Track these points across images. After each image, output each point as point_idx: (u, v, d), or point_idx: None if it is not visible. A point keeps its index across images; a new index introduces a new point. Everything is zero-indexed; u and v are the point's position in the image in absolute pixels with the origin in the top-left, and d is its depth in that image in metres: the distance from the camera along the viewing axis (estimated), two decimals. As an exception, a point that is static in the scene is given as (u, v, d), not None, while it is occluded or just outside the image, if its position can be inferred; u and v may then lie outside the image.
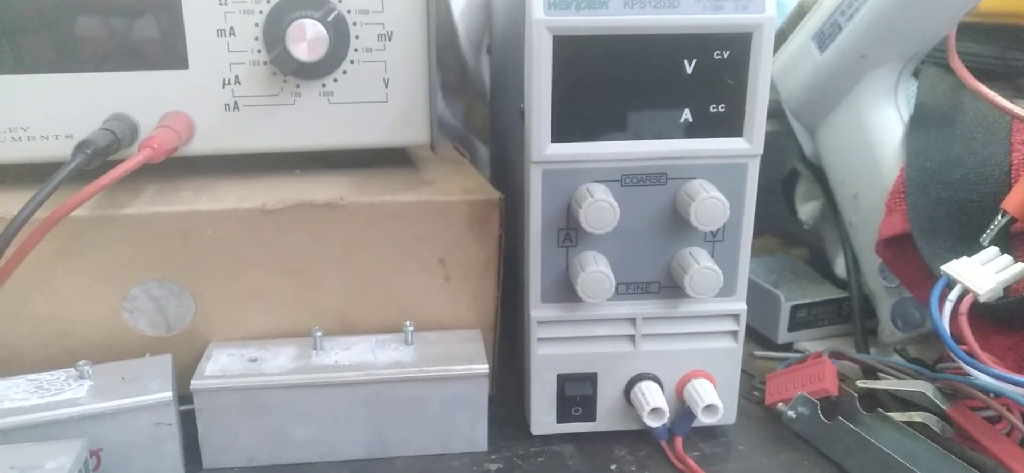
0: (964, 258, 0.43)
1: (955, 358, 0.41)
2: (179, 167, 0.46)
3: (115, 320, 0.44)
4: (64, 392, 0.40)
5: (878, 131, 0.51)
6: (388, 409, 0.43)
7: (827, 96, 0.52)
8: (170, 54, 0.43)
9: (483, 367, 0.43)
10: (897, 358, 0.52)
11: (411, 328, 0.45)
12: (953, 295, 0.42)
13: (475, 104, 0.69)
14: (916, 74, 0.52)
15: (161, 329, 0.45)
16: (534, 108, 0.40)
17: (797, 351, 0.56)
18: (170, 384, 0.41)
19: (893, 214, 0.48)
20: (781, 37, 0.54)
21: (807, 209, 0.61)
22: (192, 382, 0.41)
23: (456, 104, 0.68)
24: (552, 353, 0.44)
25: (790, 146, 0.58)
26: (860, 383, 0.47)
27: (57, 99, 0.43)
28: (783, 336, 0.56)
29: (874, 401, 0.46)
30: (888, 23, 0.48)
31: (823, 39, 0.51)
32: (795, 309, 0.56)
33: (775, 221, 0.64)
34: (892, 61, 0.50)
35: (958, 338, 0.41)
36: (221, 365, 0.43)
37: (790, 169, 0.61)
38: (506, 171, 0.51)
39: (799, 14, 0.54)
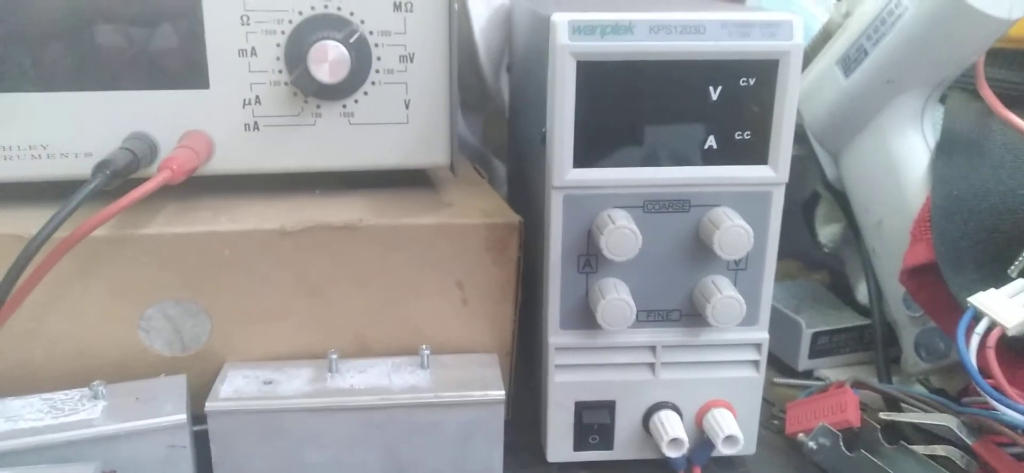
0: (991, 290, 0.42)
1: (982, 392, 0.40)
2: (198, 186, 0.46)
3: (131, 339, 0.43)
4: (78, 413, 0.40)
5: (903, 158, 0.50)
6: (403, 434, 0.43)
7: (851, 121, 0.52)
8: (191, 73, 0.43)
9: (499, 393, 0.43)
10: (920, 389, 0.51)
11: (427, 352, 0.45)
12: (980, 328, 0.41)
13: (494, 122, 0.69)
14: (943, 100, 0.52)
15: (176, 349, 0.44)
16: (556, 133, 0.39)
17: (818, 379, 0.55)
18: (184, 406, 0.41)
19: (918, 243, 0.48)
20: (805, 60, 0.53)
21: (827, 232, 0.60)
22: (206, 404, 0.41)
23: (474, 122, 0.68)
24: (570, 380, 0.44)
25: (811, 169, 0.57)
26: (883, 415, 0.46)
27: (77, 117, 0.43)
28: (804, 363, 0.56)
29: (897, 433, 0.45)
30: (915, 48, 0.47)
31: (848, 63, 0.51)
32: (816, 336, 0.55)
33: (795, 244, 0.63)
34: (919, 87, 0.49)
35: (985, 372, 0.40)
36: (236, 387, 0.42)
37: (811, 192, 0.60)
38: (525, 192, 0.51)
39: (824, 37, 0.53)
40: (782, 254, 0.43)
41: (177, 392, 0.42)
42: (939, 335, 0.50)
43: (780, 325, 0.55)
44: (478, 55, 0.60)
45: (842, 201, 0.56)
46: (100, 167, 0.39)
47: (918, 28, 0.47)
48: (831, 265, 0.63)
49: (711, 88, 0.39)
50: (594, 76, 0.38)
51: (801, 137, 0.55)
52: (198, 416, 0.42)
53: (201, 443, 0.42)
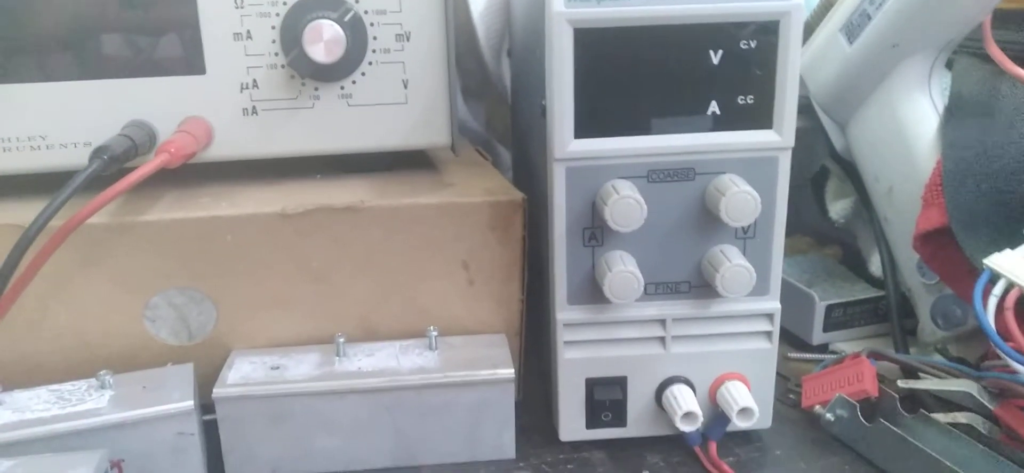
0: (1007, 250, 0.41)
1: (1002, 355, 0.40)
2: (198, 173, 0.46)
3: (136, 329, 0.43)
4: (85, 402, 0.40)
5: (912, 123, 0.49)
6: (413, 416, 0.42)
7: (858, 89, 0.51)
8: (187, 59, 0.43)
9: (509, 372, 0.42)
10: (938, 357, 0.50)
11: (435, 333, 0.44)
12: (998, 289, 0.40)
13: (496, 108, 0.68)
14: (949, 65, 0.51)
15: (183, 337, 0.44)
16: (556, 104, 0.39)
17: (833, 352, 0.54)
18: (192, 393, 0.41)
19: (931, 208, 0.47)
20: (808, 30, 0.53)
21: (838, 207, 0.59)
22: (214, 391, 0.41)
23: (477, 108, 0.68)
24: (580, 356, 0.43)
25: (819, 143, 0.57)
26: (901, 383, 0.45)
27: (75, 107, 0.43)
28: (818, 337, 0.55)
29: (916, 402, 0.45)
30: (919, 10, 0.47)
31: (852, 30, 0.50)
32: (830, 309, 0.54)
33: (806, 220, 0.63)
34: (924, 50, 0.48)
35: (1004, 334, 0.39)
36: (243, 373, 0.42)
37: (820, 167, 0.59)
38: (529, 173, 0.50)
39: (826, 6, 0.53)
40: (793, 229, 0.42)
41: (184, 380, 0.42)
42: (955, 301, 0.50)
43: (793, 299, 0.55)
44: (478, 40, 0.60)
45: (851, 173, 0.55)
46: (97, 152, 0.39)
47: (921, -12, 0.46)
48: (843, 240, 0.62)
49: (712, 52, 0.39)
50: (592, 44, 0.38)
51: (807, 109, 0.55)
52: (206, 405, 0.41)
53: (210, 431, 0.41)
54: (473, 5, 0.58)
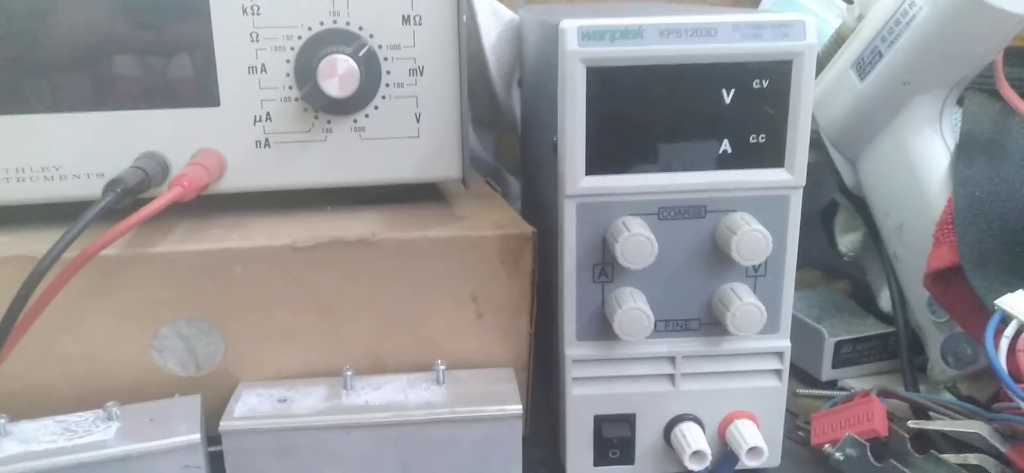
0: (1020, 291, 0.41)
1: (1013, 397, 0.39)
2: (210, 204, 0.46)
3: (144, 360, 0.43)
4: (92, 434, 0.40)
5: (923, 160, 0.49)
6: (420, 450, 0.42)
7: (868, 125, 0.51)
8: (201, 91, 0.43)
9: (517, 408, 0.42)
10: (948, 396, 0.50)
11: (442, 367, 0.44)
12: (1009, 331, 0.40)
13: (506, 138, 0.68)
14: (960, 102, 0.51)
15: (190, 368, 0.44)
16: (568, 141, 0.39)
17: (842, 389, 0.54)
18: (198, 426, 0.40)
19: (941, 246, 0.47)
20: (819, 65, 0.53)
21: (847, 240, 0.59)
22: (221, 424, 0.41)
23: (487, 138, 0.68)
24: (588, 393, 0.43)
25: (828, 176, 0.57)
26: (912, 423, 0.45)
27: (89, 138, 0.43)
28: (827, 373, 0.54)
29: (926, 442, 0.44)
30: (931, 48, 0.47)
31: (863, 66, 0.50)
32: (839, 345, 0.54)
33: (814, 253, 0.63)
34: (936, 87, 0.49)
35: (1016, 375, 0.39)
36: (250, 406, 0.42)
37: (829, 200, 0.59)
38: (538, 205, 0.51)
39: (837, 41, 0.53)
40: (802, 263, 0.42)
41: (191, 412, 0.42)
42: (966, 340, 0.49)
43: (802, 335, 0.54)
44: (489, 70, 0.60)
45: (861, 207, 0.55)
46: (111, 185, 0.39)
47: (934, 27, 0.46)
48: (852, 274, 0.62)
49: (724, 91, 0.39)
50: (604, 82, 0.38)
51: (817, 143, 0.55)
52: (213, 436, 0.41)
53: (216, 463, 0.41)
54: (485, 36, 0.59)
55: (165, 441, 0.40)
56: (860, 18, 0.51)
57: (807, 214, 0.41)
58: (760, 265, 0.41)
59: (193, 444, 0.40)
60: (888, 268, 0.53)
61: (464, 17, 0.43)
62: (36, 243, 0.40)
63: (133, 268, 0.42)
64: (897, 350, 0.53)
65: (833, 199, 0.59)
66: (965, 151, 0.48)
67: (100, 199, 0.38)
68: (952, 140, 0.49)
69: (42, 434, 0.40)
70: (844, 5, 0.62)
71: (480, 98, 0.62)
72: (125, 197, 0.39)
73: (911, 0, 0.46)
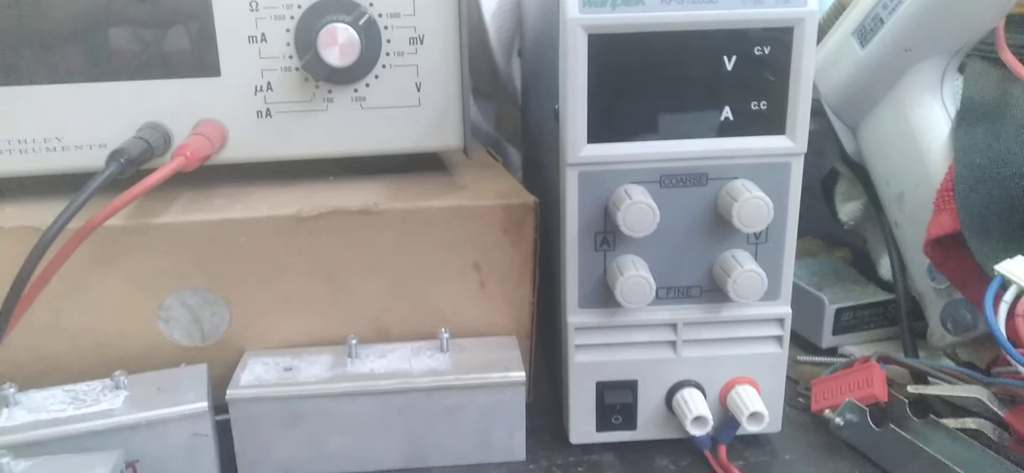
0: (1019, 257, 0.41)
1: (1012, 361, 0.40)
2: (212, 175, 0.46)
3: (151, 330, 0.44)
4: (100, 403, 0.40)
5: (924, 127, 0.49)
6: (424, 418, 0.43)
7: (869, 92, 0.51)
8: (202, 62, 0.43)
9: (520, 375, 0.43)
10: (948, 362, 0.50)
11: (446, 335, 0.44)
12: (1008, 296, 0.40)
13: (506, 108, 0.68)
14: (961, 69, 0.51)
15: (196, 338, 0.44)
16: (569, 108, 0.39)
17: (842, 355, 0.54)
18: (205, 394, 0.41)
19: (942, 213, 0.47)
20: (820, 33, 0.52)
21: (848, 209, 0.59)
22: (227, 392, 0.41)
23: (487, 108, 0.68)
24: (591, 360, 0.43)
25: (829, 145, 0.57)
26: (911, 389, 0.45)
27: (90, 109, 0.43)
28: (827, 340, 0.55)
29: (925, 407, 0.45)
30: (933, 15, 0.47)
31: (864, 34, 0.50)
32: (839, 312, 0.54)
33: (815, 222, 0.63)
34: (937, 55, 0.48)
35: (1015, 340, 0.40)
36: (256, 374, 0.42)
37: (830, 169, 0.59)
38: (540, 175, 0.51)
39: (838, 9, 0.53)
40: (803, 232, 0.42)
41: (198, 381, 0.42)
42: (966, 306, 0.50)
43: (802, 302, 0.55)
44: (489, 40, 0.60)
45: (862, 175, 0.55)
46: (114, 156, 0.39)
47: (935, -7, 0.46)
48: (852, 242, 0.62)
49: (725, 58, 0.39)
50: (606, 49, 0.38)
51: (818, 111, 0.55)
52: (219, 405, 0.42)
53: (223, 431, 0.42)
54: (485, 6, 0.58)
55: (173, 409, 0.40)
56: (861, -15, 0.51)
57: (808, 183, 0.42)
58: (761, 232, 0.41)
59: (201, 412, 0.40)
60: (888, 236, 0.54)
61: (464, -15, 0.43)
62: (40, 214, 0.41)
63: (138, 238, 0.42)
64: (897, 317, 0.54)
65: (834, 168, 0.59)
66: (966, 118, 0.48)
67: (103, 170, 0.38)
68: (953, 107, 0.49)
69: (51, 403, 0.40)
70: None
71: (480, 69, 0.62)
72: (128, 168, 0.39)
73: (913, -34, 0.46)
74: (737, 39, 0.38)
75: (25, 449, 0.37)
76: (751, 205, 0.39)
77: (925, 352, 0.52)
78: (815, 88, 0.53)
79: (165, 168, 0.39)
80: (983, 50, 0.50)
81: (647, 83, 0.39)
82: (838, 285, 0.57)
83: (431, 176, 0.49)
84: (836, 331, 0.55)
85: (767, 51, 0.39)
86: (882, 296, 0.56)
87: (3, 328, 0.36)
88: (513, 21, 0.60)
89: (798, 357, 0.54)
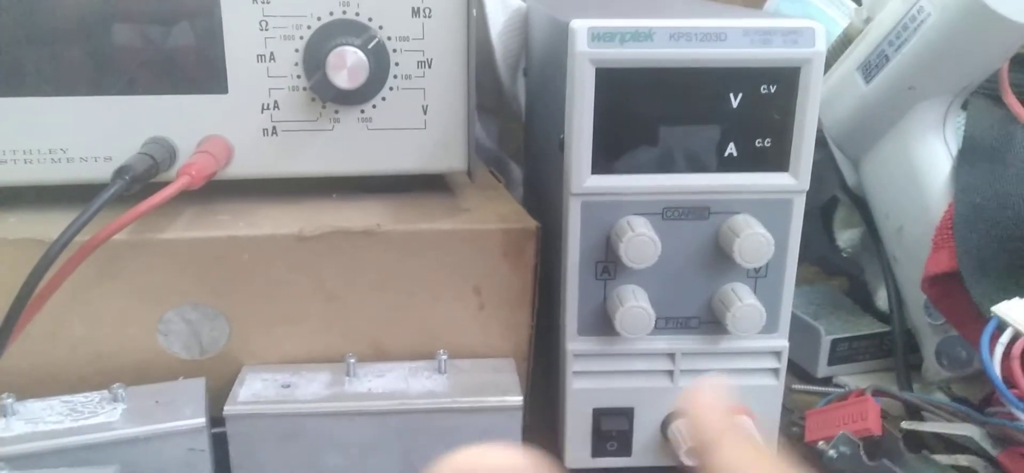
0: (1016, 299, 0.42)
1: (1006, 403, 0.40)
2: (216, 190, 0.46)
3: (150, 343, 0.44)
4: (97, 415, 0.40)
5: (925, 165, 0.49)
6: (421, 439, 0.43)
7: (872, 127, 0.51)
8: (210, 78, 0.43)
9: (517, 399, 0.43)
10: (942, 397, 0.51)
11: (444, 356, 0.44)
12: (1004, 338, 0.41)
13: (509, 125, 0.68)
14: (965, 107, 0.51)
15: (195, 352, 0.44)
16: (574, 139, 0.39)
17: (837, 386, 0.54)
18: (203, 409, 0.41)
19: (940, 251, 0.47)
20: (825, 64, 0.53)
21: (846, 236, 0.59)
22: (225, 408, 0.41)
23: (490, 125, 0.68)
24: (588, 386, 0.43)
25: (830, 174, 0.57)
26: (905, 424, 0.46)
27: (96, 121, 0.43)
28: (822, 370, 0.55)
29: (919, 442, 0.45)
30: (938, 55, 0.47)
31: (869, 69, 0.50)
32: (835, 343, 0.55)
33: (813, 249, 0.63)
34: (941, 93, 0.49)
35: (1010, 382, 0.40)
36: (254, 391, 0.43)
37: (829, 196, 0.60)
38: (542, 197, 0.51)
39: (844, 43, 0.53)
40: (800, 259, 0.43)
41: (196, 395, 0.42)
42: (961, 343, 0.50)
43: (798, 331, 0.55)
44: (495, 58, 0.60)
45: (861, 206, 0.56)
46: (120, 172, 0.39)
47: (941, 34, 0.46)
48: (849, 270, 0.63)
49: (731, 95, 0.39)
50: (613, 83, 0.38)
51: (820, 141, 0.54)
52: (217, 419, 0.42)
53: (220, 446, 0.42)
54: (492, 24, 0.59)
55: (170, 424, 0.40)
56: (868, 20, 0.51)
57: (807, 209, 0.42)
58: (761, 267, 0.42)
59: (198, 427, 0.40)
60: (886, 269, 0.54)
61: (473, 10, 0.43)
62: (44, 226, 0.41)
63: (140, 253, 0.42)
64: (892, 349, 0.54)
65: (834, 195, 0.59)
66: (967, 157, 0.48)
67: (109, 185, 0.38)
68: (955, 145, 0.49)
69: (48, 414, 0.40)
70: (852, 5, 0.62)
71: (485, 86, 0.62)
72: (133, 185, 0.39)
73: (919, 6, 0.46)
74: (744, 78, 0.38)
75: (21, 461, 0.37)
76: (753, 241, 0.39)
77: (919, 385, 0.53)
78: (818, 119, 0.53)
79: (171, 187, 0.39)
80: (987, 89, 0.50)
81: (653, 117, 0.39)
82: (834, 315, 0.57)
83: (434, 197, 0.49)
84: (831, 361, 0.55)
85: (773, 90, 0.39)
86: (878, 328, 0.56)
87: (3, 343, 0.36)
88: (519, 40, 0.61)
89: (793, 386, 0.54)
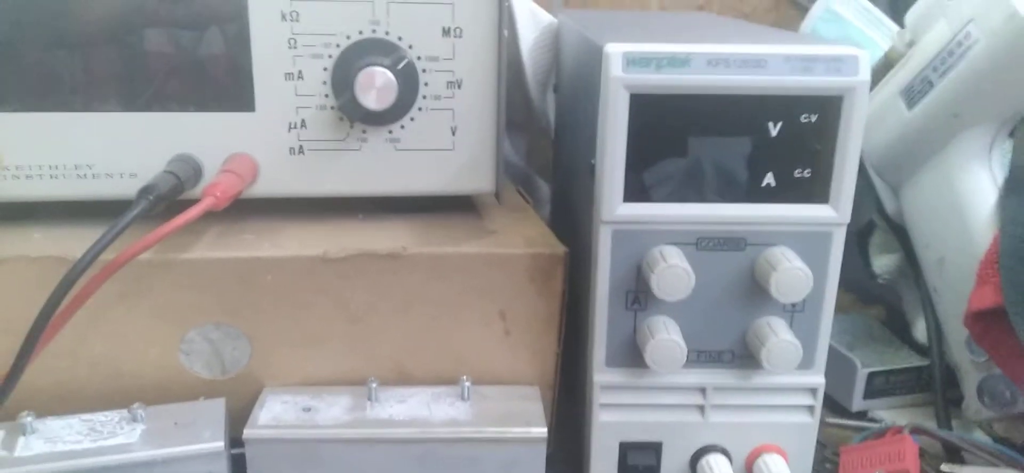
0: (1065, 341, 0.40)
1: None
2: (241, 209, 0.45)
3: (171, 361, 0.43)
4: (116, 436, 0.40)
5: (969, 195, 0.48)
6: (442, 468, 0.42)
7: (914, 155, 0.50)
8: (237, 96, 0.42)
9: (542, 430, 0.42)
10: (983, 437, 0.49)
11: (468, 383, 0.43)
12: (1052, 380, 0.39)
13: (538, 140, 0.67)
14: (1012, 134, 0.49)
15: (216, 372, 0.44)
16: (607, 166, 0.38)
17: (873, 421, 0.53)
18: (222, 432, 0.40)
19: (985, 285, 0.45)
20: (866, 89, 0.51)
21: (883, 262, 0.57)
22: (245, 431, 0.41)
23: (519, 141, 0.67)
24: (615, 419, 0.42)
25: (867, 198, 0.55)
26: (945, 468, 0.44)
27: (123, 138, 0.43)
28: (858, 404, 0.53)
29: (958, 485, 0.43)
30: (985, 82, 0.45)
31: (912, 95, 0.48)
32: (872, 376, 0.53)
33: (848, 276, 0.61)
34: (987, 122, 0.47)
35: (1057, 428, 0.38)
36: (274, 414, 0.42)
37: (866, 221, 0.58)
38: (570, 216, 0.50)
39: (886, 66, 0.51)
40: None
41: (216, 417, 0.41)
42: (1005, 382, 0.48)
43: (833, 363, 0.52)
44: (525, 75, 0.59)
45: (899, 234, 0.54)
46: (144, 192, 0.38)
47: (989, 61, 0.44)
48: (886, 299, 0.61)
49: (771, 124, 0.38)
50: (648, 109, 0.37)
51: (859, 166, 0.53)
52: (236, 439, 0.41)
53: (239, 467, 0.41)
54: (522, 41, 0.58)
55: (189, 447, 0.39)
56: (911, 44, 0.50)
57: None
58: (798, 301, 0.40)
59: (217, 451, 0.40)
60: (926, 300, 0.52)
61: (505, 31, 0.43)
62: (68, 243, 0.40)
63: (164, 272, 0.41)
64: (931, 384, 0.52)
65: (870, 220, 0.57)
66: (1014, 187, 0.47)
67: (133, 206, 0.38)
68: (1001, 175, 0.48)
69: (67, 433, 0.40)
70: (893, 27, 0.60)
71: (514, 102, 0.62)
72: (158, 204, 0.39)
73: (966, 31, 0.45)
74: (784, 106, 0.37)
75: (40, 481, 0.37)
76: (790, 275, 0.38)
77: (959, 422, 0.51)
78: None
79: (195, 208, 0.38)
80: (1035, 116, 0.48)
81: (688, 145, 0.38)
82: (871, 346, 0.56)
83: (461, 218, 0.48)
84: (867, 395, 0.53)
85: (814, 119, 0.38)
86: (916, 362, 0.54)
87: (25, 361, 0.35)
88: (550, 57, 0.60)
89: (827, 419, 0.53)
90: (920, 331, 0.54)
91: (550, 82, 0.62)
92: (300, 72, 0.42)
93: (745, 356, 0.41)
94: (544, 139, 0.66)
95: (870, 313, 0.61)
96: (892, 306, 0.60)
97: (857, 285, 0.62)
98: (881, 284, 0.58)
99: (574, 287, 0.45)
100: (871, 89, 0.51)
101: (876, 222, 0.57)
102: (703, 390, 0.42)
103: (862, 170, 0.53)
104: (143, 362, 0.43)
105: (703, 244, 0.39)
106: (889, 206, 0.54)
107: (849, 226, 0.58)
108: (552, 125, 0.63)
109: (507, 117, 0.60)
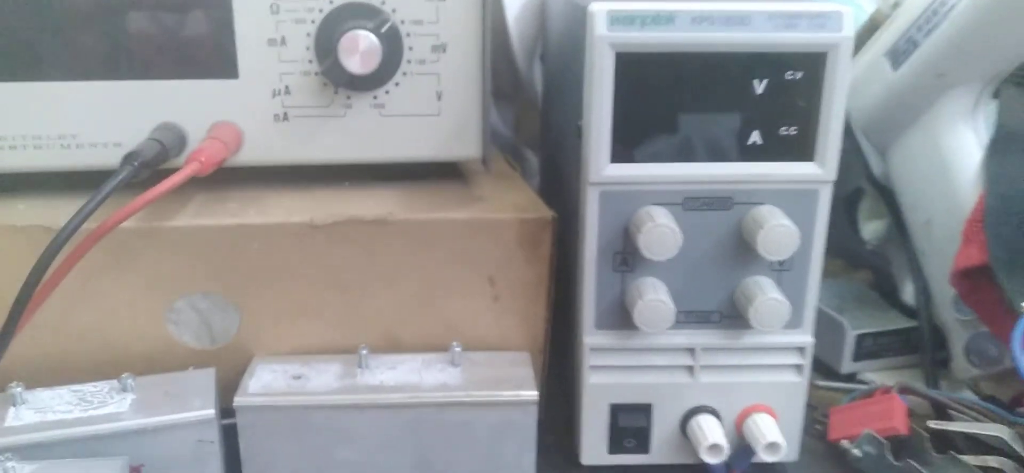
0: (1050, 295, 0.40)
1: (1039, 402, 0.39)
2: (226, 177, 0.45)
3: (160, 331, 0.43)
4: (106, 406, 0.39)
5: (955, 155, 0.48)
6: (433, 433, 0.42)
7: (900, 116, 0.50)
8: (220, 63, 0.42)
9: (532, 394, 0.42)
10: (970, 395, 0.49)
11: (458, 349, 0.44)
12: (1037, 335, 0.39)
13: (526, 112, 0.67)
14: (996, 95, 0.49)
15: (205, 342, 0.44)
16: (593, 126, 0.38)
17: (862, 382, 0.53)
18: (213, 401, 0.40)
19: (970, 244, 0.46)
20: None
21: (871, 228, 0.58)
22: (235, 399, 0.41)
23: (507, 112, 0.67)
24: (605, 381, 0.42)
25: (855, 163, 0.55)
26: (932, 423, 0.44)
27: (106, 107, 0.42)
28: (847, 366, 0.54)
29: (946, 442, 0.44)
30: (969, 41, 0.45)
31: (897, 56, 0.49)
32: (861, 338, 0.53)
33: (837, 241, 0.61)
34: (972, 81, 0.47)
35: (1043, 381, 0.39)
36: (264, 382, 0.42)
37: (854, 187, 0.58)
38: (558, 185, 0.50)
39: (871, 28, 0.51)
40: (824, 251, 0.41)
41: (206, 386, 0.41)
42: (991, 340, 0.48)
43: (823, 326, 0.53)
44: (511, 43, 0.59)
45: (888, 197, 0.54)
46: (128, 158, 0.38)
47: (972, 19, 0.45)
48: (875, 263, 0.61)
49: (756, 81, 0.38)
50: (633, 68, 0.37)
51: (845, 129, 0.53)
52: (227, 409, 0.41)
53: (230, 437, 0.41)
54: (508, 9, 0.57)
55: (179, 415, 0.39)
56: (896, 5, 0.50)
57: (831, 200, 0.40)
58: (786, 260, 0.40)
59: (207, 418, 0.40)
60: (913, 262, 0.52)
61: (489, -6, 0.42)
62: (52, 212, 0.40)
63: (150, 241, 0.41)
64: (919, 345, 0.52)
65: (858, 186, 0.58)
66: (999, 147, 0.47)
67: (117, 172, 0.37)
68: (986, 135, 0.48)
69: (57, 403, 0.40)
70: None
71: (501, 71, 0.61)
72: (142, 171, 0.38)
73: (951, -11, 0.45)
74: (768, 63, 0.37)
75: (30, 451, 0.37)
76: (777, 233, 0.38)
77: (947, 382, 0.51)
78: (844, 107, 0.52)
79: (179, 174, 0.38)
80: (1020, 77, 0.48)
81: (674, 104, 0.38)
82: (859, 309, 0.56)
83: (448, 185, 0.48)
84: (857, 357, 0.54)
85: (799, 76, 0.38)
86: (904, 323, 0.54)
87: (12, 330, 0.35)
88: (536, 25, 0.59)
89: (816, 382, 0.53)
90: (908, 293, 0.55)
91: (537, 51, 0.62)
92: (283, 38, 0.42)
93: (733, 316, 0.41)
94: (532, 111, 0.66)
95: (858, 277, 0.61)
96: (880, 270, 0.60)
97: (846, 251, 0.63)
98: (869, 249, 0.58)
99: (563, 255, 0.45)
100: (857, 51, 0.51)
101: (865, 187, 0.57)
102: (692, 350, 0.42)
103: (850, 134, 0.54)
104: (131, 332, 0.43)
105: (690, 204, 0.39)
106: (877, 169, 0.54)
107: (837, 192, 0.58)
108: (539, 95, 0.63)
109: (494, 86, 0.60)
